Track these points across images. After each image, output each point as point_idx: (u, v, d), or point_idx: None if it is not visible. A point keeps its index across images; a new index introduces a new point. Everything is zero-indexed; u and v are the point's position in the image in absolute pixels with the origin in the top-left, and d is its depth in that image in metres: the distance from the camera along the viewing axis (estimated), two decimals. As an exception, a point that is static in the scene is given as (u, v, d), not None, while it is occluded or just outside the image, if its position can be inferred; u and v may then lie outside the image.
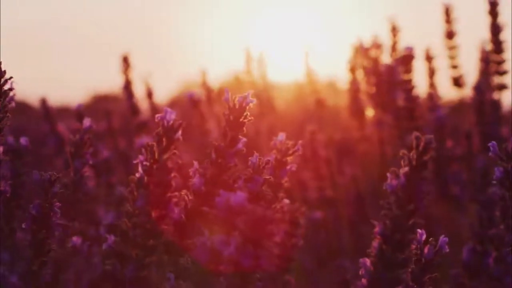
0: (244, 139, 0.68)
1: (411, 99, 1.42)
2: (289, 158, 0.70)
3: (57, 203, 0.76)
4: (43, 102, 1.62)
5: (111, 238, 0.71)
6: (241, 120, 0.68)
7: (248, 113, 0.67)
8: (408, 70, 1.44)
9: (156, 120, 0.69)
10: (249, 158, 0.67)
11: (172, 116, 0.68)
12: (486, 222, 0.79)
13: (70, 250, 0.83)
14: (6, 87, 0.77)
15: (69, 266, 0.81)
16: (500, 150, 0.75)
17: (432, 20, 1.79)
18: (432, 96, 1.50)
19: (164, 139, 0.69)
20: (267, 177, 0.68)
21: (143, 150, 0.69)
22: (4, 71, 0.77)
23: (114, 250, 0.70)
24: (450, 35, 1.60)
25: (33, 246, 0.76)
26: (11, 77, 0.77)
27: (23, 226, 0.76)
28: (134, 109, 1.63)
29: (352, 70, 1.73)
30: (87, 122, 0.86)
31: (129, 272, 0.70)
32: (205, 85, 1.79)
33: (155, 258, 0.70)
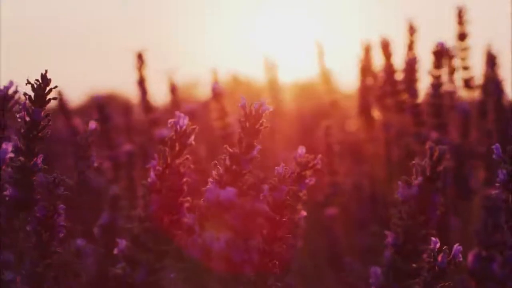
0: (259, 147, 0.67)
1: (438, 95, 1.41)
2: (308, 172, 0.69)
3: (62, 205, 0.76)
4: (60, 95, 1.62)
5: (123, 242, 0.70)
6: (257, 127, 0.67)
7: (264, 120, 0.66)
8: (439, 65, 1.43)
9: (169, 125, 0.68)
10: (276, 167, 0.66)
11: (185, 121, 0.68)
12: (491, 227, 0.78)
13: (73, 252, 0.82)
14: (51, 95, 0.76)
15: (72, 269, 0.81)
16: (504, 152, 0.74)
17: (444, 22, 1.78)
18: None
19: (177, 144, 0.68)
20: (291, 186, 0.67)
21: (155, 154, 0.69)
22: (50, 80, 0.76)
23: (125, 255, 0.69)
24: (462, 36, 1.59)
25: (37, 248, 0.76)
26: (55, 86, 0.76)
27: (27, 228, 0.75)
28: (147, 105, 1.63)
29: (362, 70, 1.72)
30: (92, 124, 0.84)
31: (140, 277, 0.69)
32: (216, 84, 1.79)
33: (166, 262, 0.69)
